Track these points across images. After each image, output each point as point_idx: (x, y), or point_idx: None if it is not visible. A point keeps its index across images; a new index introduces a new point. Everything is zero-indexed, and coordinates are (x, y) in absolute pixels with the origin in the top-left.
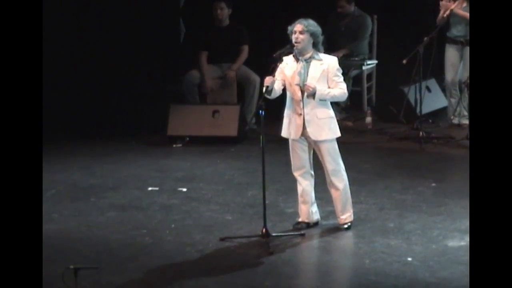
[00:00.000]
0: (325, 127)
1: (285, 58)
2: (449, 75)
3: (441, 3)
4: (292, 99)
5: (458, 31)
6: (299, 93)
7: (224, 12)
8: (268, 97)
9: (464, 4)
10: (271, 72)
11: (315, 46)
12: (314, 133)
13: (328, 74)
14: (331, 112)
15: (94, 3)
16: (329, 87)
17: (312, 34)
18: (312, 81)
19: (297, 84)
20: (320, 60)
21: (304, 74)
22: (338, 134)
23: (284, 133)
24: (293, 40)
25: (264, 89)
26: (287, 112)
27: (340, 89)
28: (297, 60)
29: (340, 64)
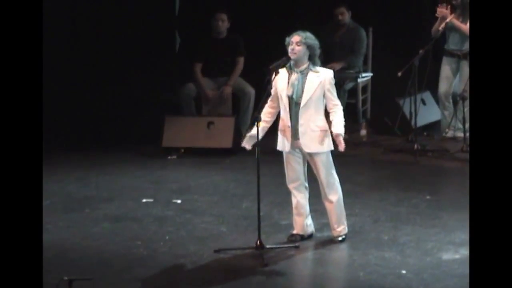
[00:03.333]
0: (319, 140)
1: (280, 71)
2: (442, 87)
3: (438, 9)
4: (283, 111)
5: (455, 44)
6: (288, 105)
7: (225, 25)
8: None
9: (460, 19)
10: (266, 84)
11: (311, 59)
12: (307, 145)
13: (325, 86)
14: (325, 125)
15: (88, 14)
16: (327, 103)
17: (309, 47)
18: (309, 92)
19: (288, 96)
20: (317, 72)
21: (298, 86)
22: (331, 147)
23: (279, 147)
24: (289, 51)
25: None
26: (280, 125)
27: (339, 112)
28: (290, 71)
29: (335, 76)
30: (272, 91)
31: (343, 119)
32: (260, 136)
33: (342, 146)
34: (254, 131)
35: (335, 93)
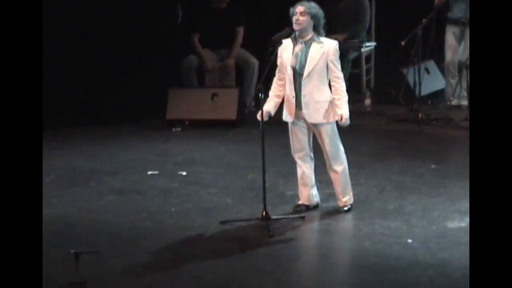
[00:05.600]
0: (322, 110)
1: (284, 41)
2: (448, 56)
3: None
4: (288, 81)
5: (460, 11)
6: (292, 76)
7: None
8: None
9: None
10: (270, 55)
11: (315, 29)
12: (310, 116)
13: (328, 57)
14: (329, 96)
15: None
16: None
17: (313, 17)
18: (311, 62)
19: (292, 66)
20: (321, 43)
21: (302, 57)
22: (336, 118)
23: (284, 117)
24: (293, 21)
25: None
26: (285, 95)
27: (341, 88)
28: (295, 42)
29: (339, 46)
30: (278, 62)
31: (346, 95)
32: (274, 111)
33: (345, 124)
34: (267, 106)
35: (338, 65)
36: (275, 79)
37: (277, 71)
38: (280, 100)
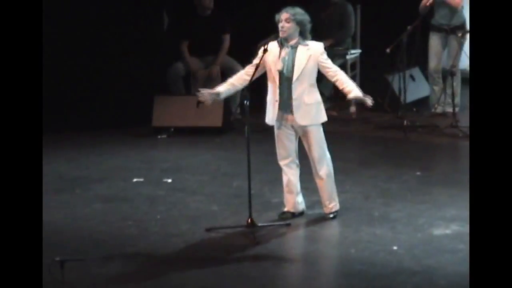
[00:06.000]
0: (312, 112)
1: (270, 44)
2: (432, 63)
3: None
4: (272, 85)
5: (442, 18)
6: (278, 80)
7: (212, 1)
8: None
9: None
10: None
11: (302, 34)
12: (300, 118)
13: (317, 59)
14: (318, 97)
15: None
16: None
17: (299, 23)
18: (299, 66)
19: (279, 70)
20: (307, 45)
21: (289, 60)
22: (325, 118)
23: (267, 119)
24: (279, 28)
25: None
26: (268, 98)
27: (344, 76)
28: (281, 46)
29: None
30: (256, 60)
31: (352, 81)
32: (223, 95)
33: (369, 101)
34: (220, 87)
35: (330, 62)
36: (242, 71)
37: (249, 65)
38: (233, 90)
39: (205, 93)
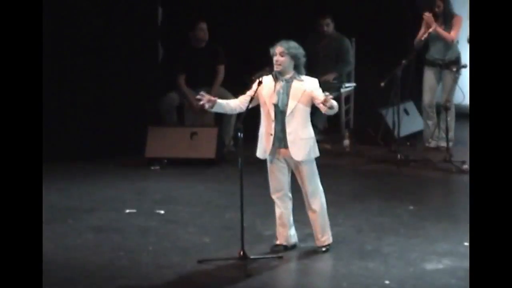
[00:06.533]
0: (307, 147)
1: (264, 77)
2: (426, 98)
3: (424, 16)
4: (266, 118)
5: (437, 52)
6: (273, 113)
7: (207, 33)
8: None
9: (443, 27)
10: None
11: (296, 68)
12: (296, 154)
13: (312, 93)
14: (312, 132)
15: (70, 24)
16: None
17: (293, 57)
18: (294, 100)
19: (274, 104)
20: (302, 80)
21: (283, 94)
22: (318, 154)
23: (258, 153)
24: (274, 62)
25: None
26: (260, 131)
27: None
28: (275, 79)
29: (320, 86)
30: (251, 92)
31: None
32: (220, 108)
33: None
34: (221, 101)
35: (321, 93)
36: (237, 100)
37: (243, 96)
38: (227, 108)
39: (204, 97)
